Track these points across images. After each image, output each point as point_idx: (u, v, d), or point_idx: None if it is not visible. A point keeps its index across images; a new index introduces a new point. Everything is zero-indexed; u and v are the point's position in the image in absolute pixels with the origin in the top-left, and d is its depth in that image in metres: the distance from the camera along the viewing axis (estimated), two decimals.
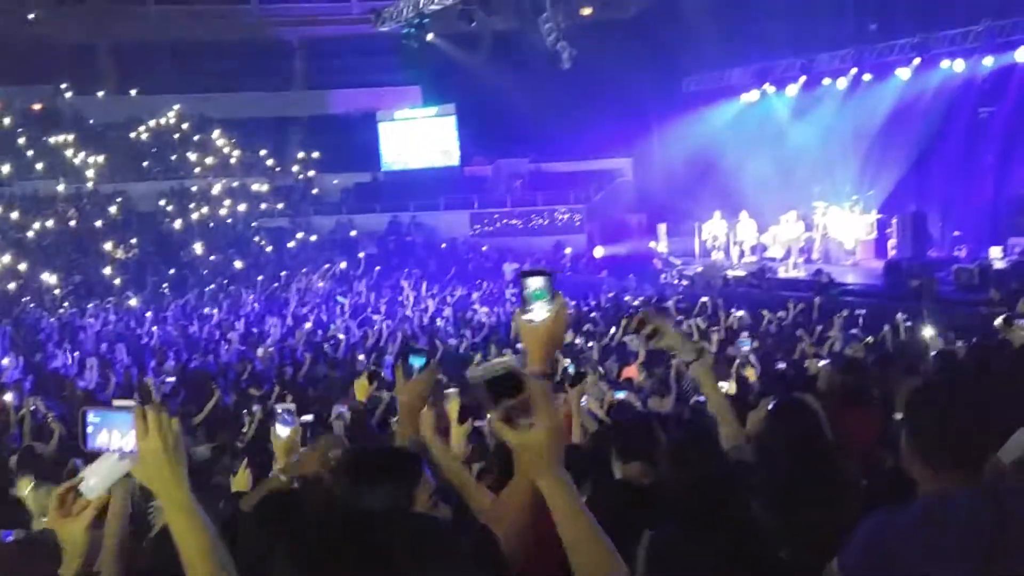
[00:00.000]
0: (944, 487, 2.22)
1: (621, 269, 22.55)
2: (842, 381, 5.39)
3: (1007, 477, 3.05)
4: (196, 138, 28.26)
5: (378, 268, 22.98)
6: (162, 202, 26.70)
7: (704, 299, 15.67)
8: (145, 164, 27.85)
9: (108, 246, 23.90)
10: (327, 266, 22.75)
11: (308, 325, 15.97)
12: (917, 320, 11.28)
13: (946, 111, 19.47)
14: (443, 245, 26.81)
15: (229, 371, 12.67)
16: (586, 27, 24.00)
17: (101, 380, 12.31)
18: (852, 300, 15.30)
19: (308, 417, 6.37)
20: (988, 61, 18.62)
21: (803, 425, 3.30)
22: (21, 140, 26.90)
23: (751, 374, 8.64)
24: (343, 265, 23.26)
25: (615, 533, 1.94)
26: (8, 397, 10.10)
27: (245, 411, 9.24)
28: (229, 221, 26.47)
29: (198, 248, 24.51)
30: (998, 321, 8.41)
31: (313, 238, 26.36)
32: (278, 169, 28.40)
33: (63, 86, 28.07)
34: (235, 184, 27.53)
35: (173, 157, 27.95)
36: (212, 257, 24.39)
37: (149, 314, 17.84)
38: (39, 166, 26.49)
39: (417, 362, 3.11)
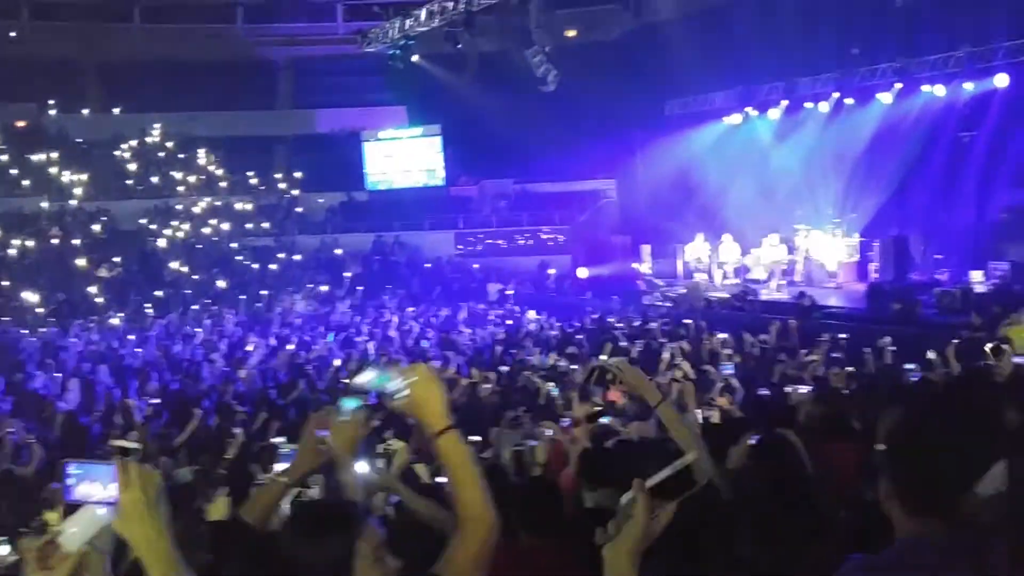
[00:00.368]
0: (922, 530, 2.23)
1: (605, 290, 22.60)
2: (822, 413, 5.41)
3: (984, 513, 3.06)
4: (181, 157, 28.22)
5: (361, 288, 22.94)
6: (145, 220, 26.60)
7: (687, 321, 15.72)
8: (129, 182, 27.77)
9: (90, 264, 23.76)
10: (310, 286, 22.69)
11: (291, 347, 15.91)
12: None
13: (927, 135, 19.68)
14: (428, 265, 26.81)
15: (212, 392, 12.59)
16: (570, 50, 24.20)
17: (83, 401, 12.21)
18: (834, 323, 15.40)
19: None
20: (968, 86, 18.87)
21: (784, 462, 3.33)
22: (4, 157, 26.78)
23: (724, 402, 8.56)
24: (326, 286, 23.21)
25: (594, 562, 1.96)
26: None
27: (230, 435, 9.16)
28: (214, 240, 26.39)
29: (181, 267, 24.40)
30: (989, 346, 8.50)
31: (297, 257, 26.29)
32: (262, 188, 28.38)
33: (48, 103, 27.98)
34: (219, 203, 27.46)
35: (156, 177, 27.88)
36: (195, 276, 24.27)
37: (132, 336, 17.71)
38: (24, 183, 26.37)
39: (350, 404, 2.98)
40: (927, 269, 19.32)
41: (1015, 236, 18.45)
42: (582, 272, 24.94)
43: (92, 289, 22.49)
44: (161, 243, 25.61)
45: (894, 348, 11.16)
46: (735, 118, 23.36)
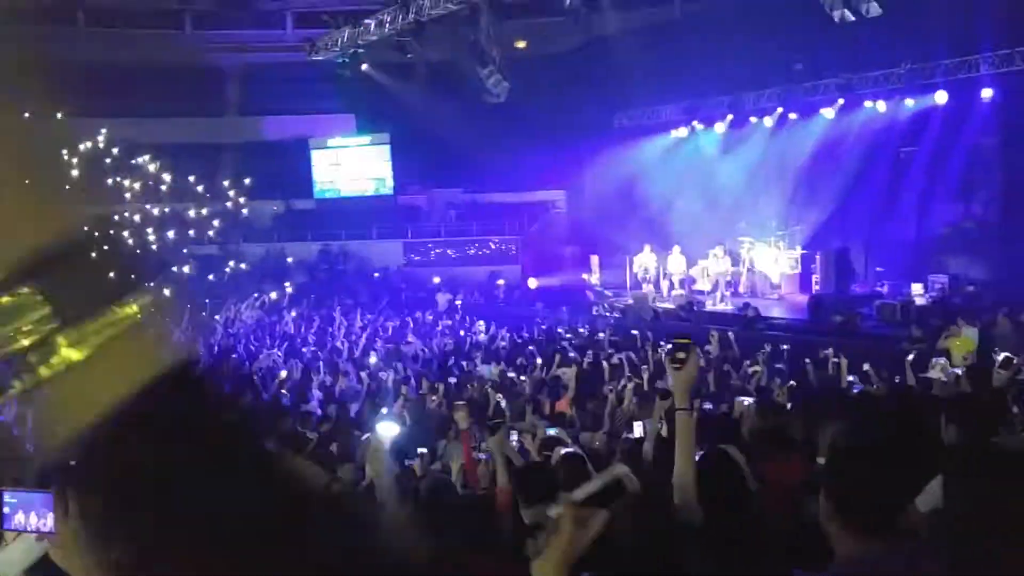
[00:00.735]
0: (862, 549, 2.26)
1: (555, 300, 22.66)
2: (765, 426, 5.47)
3: (922, 529, 3.12)
4: (126, 163, 27.66)
5: (313, 296, 22.73)
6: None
7: (634, 332, 15.83)
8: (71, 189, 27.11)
9: None
10: (256, 295, 22.41)
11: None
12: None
13: (869, 150, 20.12)
14: (376, 274, 26.65)
15: None
16: (520, 61, 24.25)
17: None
18: (777, 334, 15.61)
19: None
20: (909, 102, 19.35)
21: (727, 478, 3.35)
22: None
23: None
24: (273, 295, 22.92)
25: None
26: None
27: None
28: (157, 248, 25.92)
29: None
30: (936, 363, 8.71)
31: (244, 266, 25.95)
32: (208, 196, 27.98)
33: None
34: (165, 210, 27.00)
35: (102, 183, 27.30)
36: None
37: None
38: None
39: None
40: (868, 282, 19.71)
41: (954, 249, 18.93)
42: (532, 282, 25.00)
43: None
44: None
45: (837, 360, 11.35)
46: (682, 131, 23.66)
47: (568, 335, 17.42)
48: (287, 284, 24.14)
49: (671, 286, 21.44)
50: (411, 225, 28.11)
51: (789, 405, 7.92)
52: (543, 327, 18.98)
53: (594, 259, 24.23)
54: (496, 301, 24.19)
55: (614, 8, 22.35)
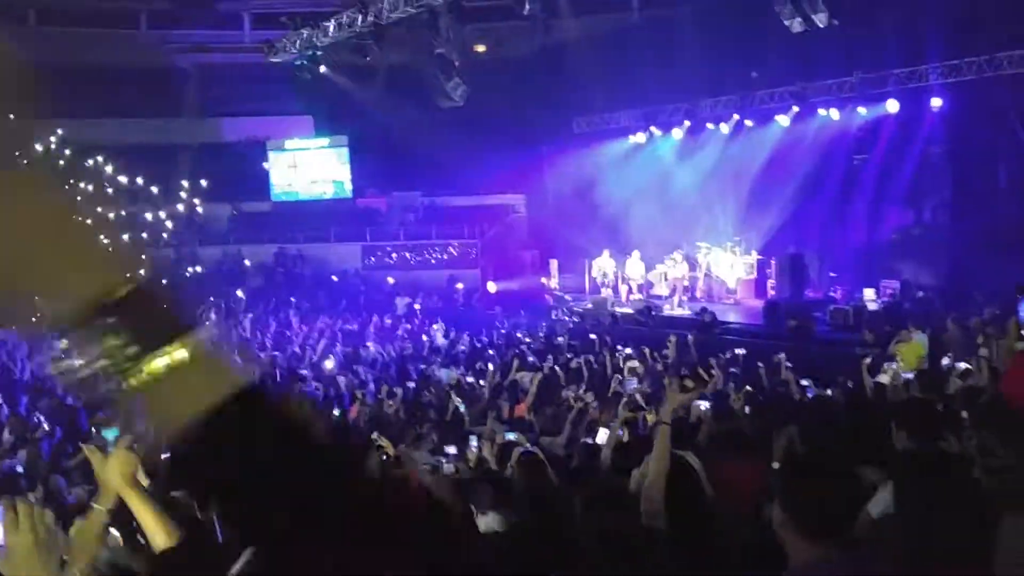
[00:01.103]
0: (815, 555, 2.32)
1: (514, 305, 22.71)
2: (721, 431, 5.54)
3: (874, 534, 3.20)
4: (79, 165, 27.15)
5: (273, 300, 22.51)
6: None
7: (593, 336, 15.92)
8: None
9: None
10: (212, 299, 22.14)
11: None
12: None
13: (823, 158, 20.42)
14: (334, 278, 26.48)
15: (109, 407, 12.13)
16: (480, 64, 24.27)
17: None
18: (733, 339, 15.80)
19: None
20: (862, 111, 19.69)
21: (684, 485, 3.40)
22: None
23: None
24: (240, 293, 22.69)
25: None
26: None
27: None
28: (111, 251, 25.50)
29: None
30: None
31: (199, 269, 25.64)
32: (164, 198, 27.57)
33: None
34: (120, 213, 26.55)
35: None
36: None
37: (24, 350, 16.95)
38: None
39: (110, 435, 2.88)
40: (822, 287, 20.01)
41: (905, 255, 19.30)
42: (491, 286, 25.01)
43: None
44: None
45: (790, 364, 11.51)
46: (640, 137, 23.84)
47: (527, 339, 17.47)
48: (239, 292, 23.87)
49: (629, 291, 21.59)
50: (370, 228, 27.96)
51: (747, 409, 8.03)
52: (503, 331, 19.01)
53: (553, 263, 24.32)
54: (455, 305, 24.18)
55: (573, 14, 22.47)
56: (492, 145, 24.43)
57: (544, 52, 23.80)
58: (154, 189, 27.30)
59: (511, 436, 7.83)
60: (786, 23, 16.50)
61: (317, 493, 0.88)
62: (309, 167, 28.58)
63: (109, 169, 26.78)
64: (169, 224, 27.01)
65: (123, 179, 26.56)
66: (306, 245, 27.27)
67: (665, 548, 3.10)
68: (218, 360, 0.91)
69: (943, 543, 2.33)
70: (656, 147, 23.76)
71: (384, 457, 7.09)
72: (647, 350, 13.78)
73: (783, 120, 20.94)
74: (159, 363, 0.88)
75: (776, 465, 5.08)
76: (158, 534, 2.88)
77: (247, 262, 26.25)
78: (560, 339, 16.72)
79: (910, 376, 8.93)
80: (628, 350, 14.17)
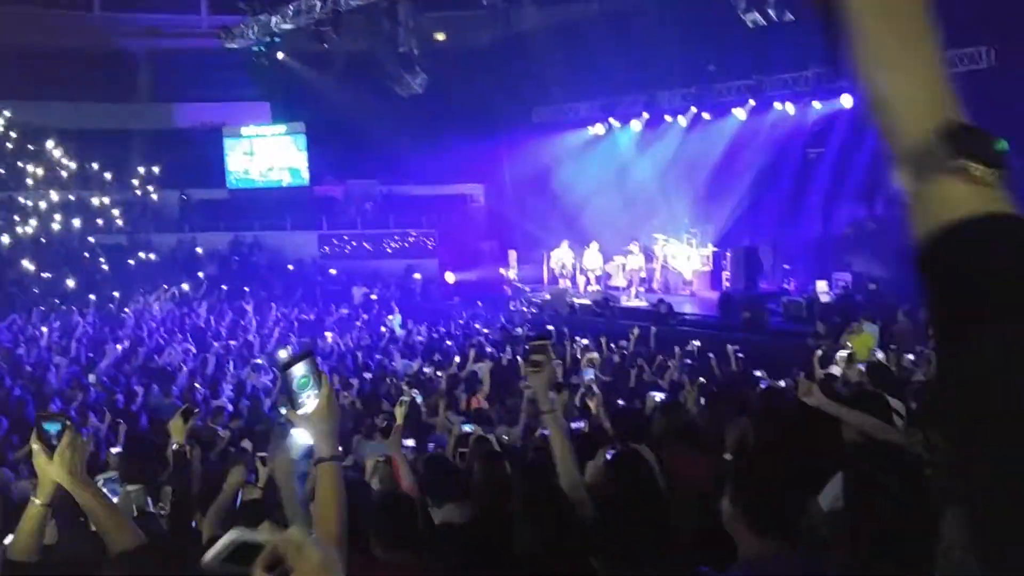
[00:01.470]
0: (764, 549, 2.35)
1: (472, 295, 22.70)
2: (674, 423, 5.59)
3: (822, 527, 3.25)
4: (28, 147, 26.55)
5: (225, 288, 22.23)
6: None
7: (550, 327, 15.97)
8: None
9: None
10: (165, 287, 21.83)
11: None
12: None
13: (778, 151, 20.65)
14: (290, 267, 26.23)
15: (58, 398, 11.93)
16: (439, 53, 24.15)
17: None
18: (689, 330, 15.95)
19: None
20: (817, 105, 19.93)
21: (637, 477, 3.43)
22: None
23: (593, 405, 8.74)
24: (185, 287, 22.36)
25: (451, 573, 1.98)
26: None
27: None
28: (63, 237, 25.02)
29: (28, 265, 23.00)
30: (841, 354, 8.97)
31: (153, 256, 25.25)
32: (116, 184, 27.08)
33: None
34: (70, 198, 26.05)
35: (1, 169, 26.15)
36: (44, 275, 22.93)
37: None
38: None
39: (52, 428, 2.77)
40: (776, 279, 20.26)
41: (857, 248, 19.58)
42: (450, 277, 24.97)
43: None
44: (5, 239, 24.07)
45: (742, 355, 11.65)
46: (599, 128, 23.91)
47: (485, 330, 17.48)
48: (200, 274, 23.57)
49: (587, 282, 21.69)
50: (327, 217, 27.73)
51: (703, 400, 8.11)
52: (460, 322, 19.00)
53: (512, 254, 24.34)
54: (413, 295, 24.10)
55: (533, 3, 22.40)
56: (451, 134, 24.36)
57: (504, 42, 23.74)
58: (107, 175, 26.83)
59: (468, 428, 7.84)
60: (743, 17, 16.64)
61: None
62: (265, 154, 28.24)
63: (58, 153, 26.27)
64: (119, 211, 26.57)
65: (73, 164, 26.06)
66: (262, 233, 26.97)
67: (609, 540, 3.11)
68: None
69: (889, 537, 2.37)
70: (615, 138, 23.87)
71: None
72: (604, 341, 13.87)
73: (740, 113, 21.13)
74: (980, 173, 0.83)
75: (728, 457, 5.15)
76: (115, 531, 2.83)
77: (199, 250, 25.88)
78: (518, 330, 16.75)
79: (861, 368, 9.08)
80: (585, 341, 14.25)
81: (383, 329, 18.27)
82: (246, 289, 22.74)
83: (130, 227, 26.29)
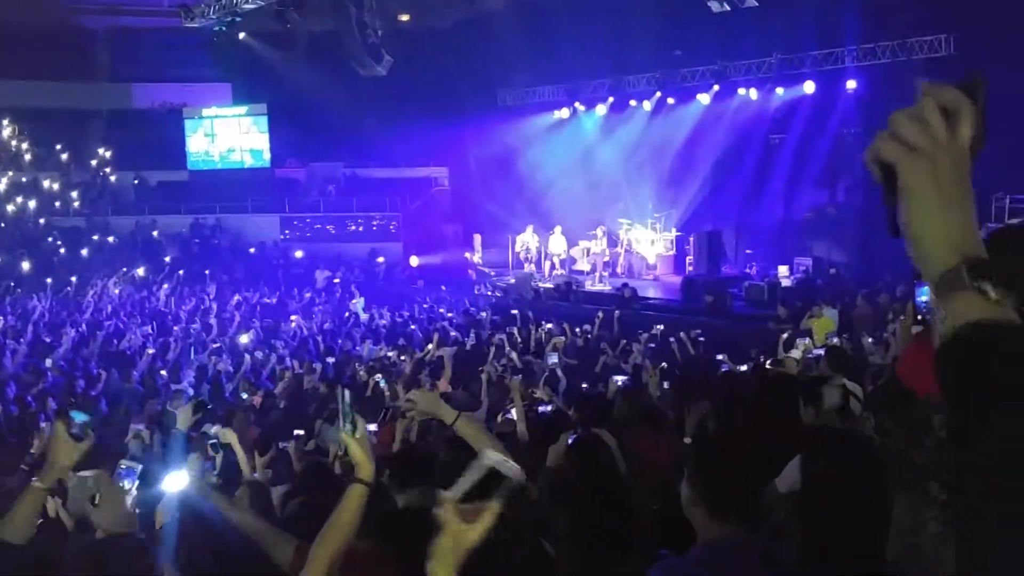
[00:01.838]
0: (721, 533, 2.36)
1: (437, 279, 22.62)
2: (635, 406, 5.62)
3: (779, 511, 3.28)
4: None
5: (181, 272, 21.94)
6: None
7: (514, 311, 15.98)
8: None
9: None
10: (124, 270, 21.52)
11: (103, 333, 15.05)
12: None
13: (741, 136, 20.80)
14: (252, 250, 25.96)
15: (13, 382, 11.72)
16: (404, 34, 23.98)
17: None
18: (652, 314, 16.04)
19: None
20: (780, 91, 20.08)
21: (598, 462, 3.43)
22: None
23: (544, 395, 8.66)
24: (141, 270, 22.06)
25: (415, 561, 1.96)
26: None
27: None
28: (18, 219, 24.55)
29: None
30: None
31: (111, 239, 24.87)
32: (73, 165, 26.60)
33: None
34: (25, 179, 25.56)
35: None
36: None
37: None
38: None
39: (79, 418, 2.91)
40: (738, 263, 20.44)
41: (817, 233, 19.82)
42: (414, 260, 24.85)
43: None
44: None
45: (703, 339, 11.73)
46: (564, 112, 23.89)
47: (449, 315, 17.44)
48: (167, 259, 23.25)
49: (552, 266, 21.72)
50: (289, 199, 27.43)
51: (666, 384, 8.16)
52: (425, 306, 18.93)
53: (477, 238, 24.29)
54: (376, 279, 23.96)
55: None
56: (415, 116, 24.22)
57: (469, 24, 23.63)
58: (63, 156, 26.37)
59: None
60: (708, 3, 16.70)
61: None
62: (226, 136, 27.88)
63: (10, 133, 25.74)
64: (79, 193, 26.13)
65: (29, 144, 25.57)
66: (223, 215, 26.64)
67: (570, 526, 3.12)
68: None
69: (844, 520, 2.39)
70: (580, 122, 23.86)
71: None
72: (567, 325, 13.90)
73: (704, 98, 21.22)
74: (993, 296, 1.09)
75: (688, 441, 5.18)
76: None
77: (155, 233, 25.53)
78: (483, 314, 16.73)
79: (820, 352, 9.18)
80: (549, 325, 14.27)
81: (347, 314, 18.15)
82: (207, 272, 22.49)
83: (87, 209, 25.86)
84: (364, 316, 17.84)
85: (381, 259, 25.05)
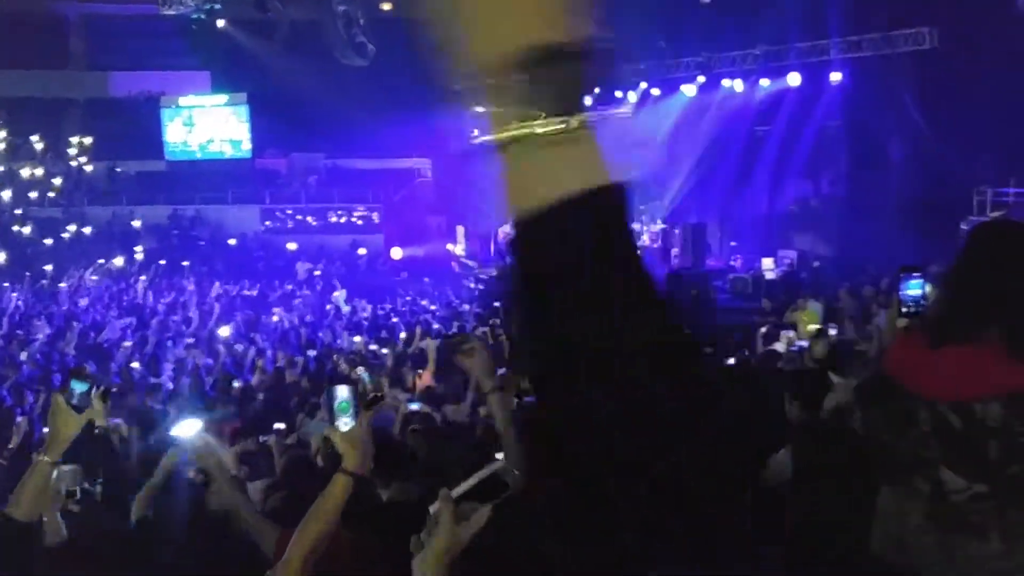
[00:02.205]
0: None
1: (419, 271, 22.50)
2: None
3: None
4: None
5: (162, 263, 21.69)
6: None
7: (498, 303, 15.87)
8: None
9: None
10: (101, 261, 21.24)
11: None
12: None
13: (726, 128, 20.77)
14: (232, 241, 25.71)
15: None
16: (386, 23, 23.77)
17: None
18: None
19: None
20: (765, 83, 20.04)
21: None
22: None
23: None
24: (119, 261, 21.78)
25: (399, 554, 1.89)
26: None
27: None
28: None
29: None
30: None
31: (88, 230, 24.56)
32: (49, 154, 26.23)
33: None
34: (2, 169, 25.19)
35: None
36: None
37: None
38: None
39: (80, 387, 2.82)
40: (723, 256, 20.42)
41: (802, 226, 19.83)
42: (396, 252, 24.70)
43: None
44: None
45: (687, 331, 11.65)
46: None
47: (432, 307, 17.33)
48: (137, 249, 22.97)
49: None
50: (269, 190, 27.19)
51: None
52: (407, 298, 18.81)
53: (460, 229, 24.15)
54: (358, 271, 23.79)
55: None
56: (398, 106, 23.97)
57: None
58: (38, 145, 25.96)
59: (415, 406, 7.72)
60: None
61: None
62: (205, 125, 27.57)
63: None
64: (56, 182, 25.77)
65: (4, 133, 25.14)
66: (203, 207, 26.36)
67: (563, 517, 3.03)
68: (598, 149, 0.84)
69: (832, 511, 2.34)
70: None
71: None
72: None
73: (689, 89, 21.15)
74: (544, 129, 0.82)
75: None
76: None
77: (136, 223, 25.25)
78: (466, 307, 16.63)
79: (804, 345, 9.14)
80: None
81: (328, 307, 17.99)
82: (185, 264, 22.26)
83: (64, 200, 25.53)
84: (346, 308, 17.69)
85: (363, 251, 24.88)
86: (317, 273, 22.67)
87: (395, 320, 15.57)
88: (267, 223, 26.62)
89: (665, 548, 2.13)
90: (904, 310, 2.65)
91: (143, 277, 20.30)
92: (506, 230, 0.87)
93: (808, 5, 18.39)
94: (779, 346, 9.61)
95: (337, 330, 14.86)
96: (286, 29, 24.46)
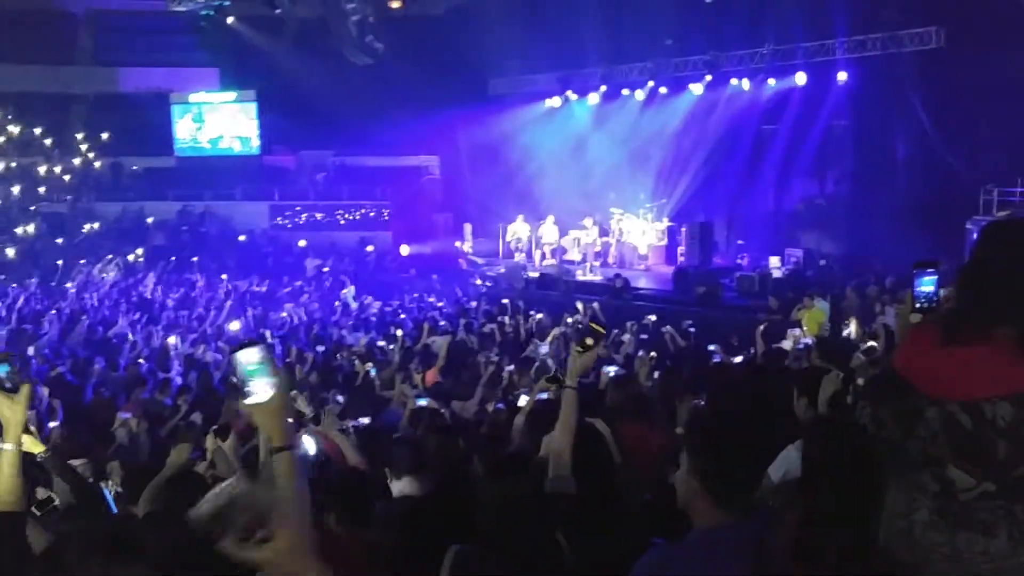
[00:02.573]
0: (715, 520, 2.32)
1: (427, 268, 22.54)
2: (626, 396, 5.58)
3: (774, 499, 3.24)
4: None
5: (174, 259, 21.79)
6: None
7: (505, 300, 15.93)
8: None
9: None
10: (110, 257, 21.32)
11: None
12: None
13: (733, 127, 20.76)
14: (241, 237, 25.78)
15: None
16: (395, 21, 23.80)
17: None
18: (644, 304, 16.01)
19: None
20: (772, 82, 20.04)
21: (593, 452, 3.40)
22: None
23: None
24: (130, 257, 21.88)
25: (413, 548, 1.93)
26: None
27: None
28: (2, 205, 24.27)
29: None
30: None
31: (97, 226, 24.64)
32: (59, 150, 26.29)
33: None
34: (11, 164, 25.26)
35: None
36: None
37: None
38: None
39: (1, 370, 2.65)
40: (729, 254, 20.45)
41: (808, 224, 19.85)
42: (404, 249, 24.75)
43: None
44: None
45: (693, 328, 11.71)
46: (555, 101, 23.77)
47: (440, 304, 17.38)
48: (139, 251, 23.03)
49: (543, 256, 21.66)
50: (278, 187, 27.25)
51: (656, 375, 8.12)
52: (414, 295, 18.86)
53: (467, 227, 24.19)
54: (367, 268, 23.84)
55: None
56: (406, 104, 24.03)
57: (460, 11, 23.49)
58: (47, 141, 26.02)
59: (422, 402, 7.77)
60: None
61: None
62: (214, 122, 27.62)
63: None
64: (66, 178, 25.83)
65: (13, 128, 25.20)
66: (212, 203, 26.44)
67: (568, 513, 3.08)
68: None
69: (842, 508, 2.37)
70: (572, 111, 23.75)
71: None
72: (564, 316, 13.87)
73: (696, 88, 21.15)
74: None
75: (680, 431, 5.15)
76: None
77: (148, 219, 25.32)
78: (473, 304, 16.68)
79: (810, 342, 9.17)
80: (540, 315, 14.21)
81: (337, 304, 18.06)
82: (194, 260, 22.34)
83: (73, 196, 25.59)
84: (354, 305, 17.76)
85: (371, 247, 24.94)
86: (326, 270, 22.75)
87: (403, 316, 15.63)
88: (276, 219, 26.70)
89: None
90: (917, 305, 2.65)
91: (151, 273, 20.41)
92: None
93: (815, 5, 18.38)
94: (787, 344, 9.66)
95: (346, 326, 14.92)
96: (295, 26, 24.51)
